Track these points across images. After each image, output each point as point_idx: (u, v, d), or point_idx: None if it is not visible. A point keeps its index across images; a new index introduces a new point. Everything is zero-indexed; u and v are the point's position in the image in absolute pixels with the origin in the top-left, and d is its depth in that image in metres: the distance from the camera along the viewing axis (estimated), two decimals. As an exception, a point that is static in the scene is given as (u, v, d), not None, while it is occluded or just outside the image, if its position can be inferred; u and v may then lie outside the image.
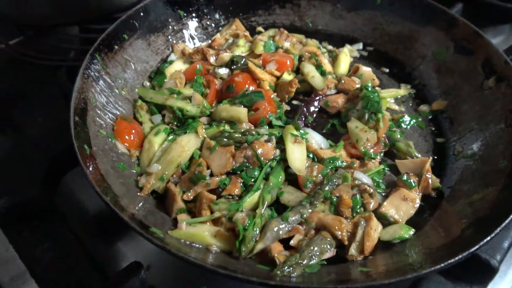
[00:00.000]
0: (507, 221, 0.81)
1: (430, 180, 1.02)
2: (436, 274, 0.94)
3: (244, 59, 1.27)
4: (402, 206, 0.98)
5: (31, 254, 1.01)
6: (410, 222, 0.98)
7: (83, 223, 1.16)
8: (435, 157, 1.13)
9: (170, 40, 1.35)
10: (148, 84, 1.27)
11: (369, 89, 1.16)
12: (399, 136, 1.12)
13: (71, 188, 1.22)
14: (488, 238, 0.78)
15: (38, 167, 1.17)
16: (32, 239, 1.04)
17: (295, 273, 0.84)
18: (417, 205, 0.99)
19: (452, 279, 0.94)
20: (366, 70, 1.28)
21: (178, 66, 1.31)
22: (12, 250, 1.00)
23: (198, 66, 1.25)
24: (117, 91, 1.17)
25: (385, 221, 0.97)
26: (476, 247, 0.77)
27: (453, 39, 1.25)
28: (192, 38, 1.40)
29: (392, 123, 1.15)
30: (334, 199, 0.97)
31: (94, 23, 1.42)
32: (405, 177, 1.02)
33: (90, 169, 0.91)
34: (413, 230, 0.95)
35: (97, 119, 1.07)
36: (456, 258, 0.77)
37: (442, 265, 0.75)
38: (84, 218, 1.17)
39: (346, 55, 1.37)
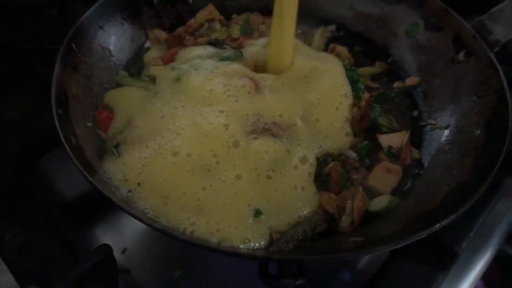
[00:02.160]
0: (485, 186, 0.87)
1: (410, 152, 1.07)
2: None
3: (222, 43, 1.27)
4: (386, 178, 1.02)
5: (0, 238, 1.01)
6: (394, 193, 1.03)
7: (58, 208, 1.18)
8: (412, 130, 1.17)
9: (145, 26, 1.33)
10: (125, 72, 1.25)
11: (348, 68, 1.20)
12: (379, 111, 1.16)
13: (46, 172, 1.23)
14: (471, 201, 0.83)
15: (10, 152, 1.17)
16: (2, 223, 1.03)
17: (291, 247, 0.88)
18: (400, 176, 1.04)
19: (417, 262, 1.02)
20: (342, 49, 1.31)
21: (154, 52, 1.30)
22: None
23: (177, 52, 1.24)
24: (95, 80, 1.15)
25: (371, 193, 1.01)
26: (461, 210, 0.82)
27: (422, 16, 1.30)
28: (167, 24, 1.39)
29: (372, 100, 1.19)
30: (324, 177, 1.01)
31: (73, 5, 1.38)
32: (386, 150, 1.08)
33: (79, 160, 0.89)
34: (398, 199, 1.00)
35: (78, 109, 1.06)
36: (441, 223, 0.81)
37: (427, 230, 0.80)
38: (60, 203, 1.20)
39: (321, 35, 1.39)
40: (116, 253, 0.94)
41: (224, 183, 0.93)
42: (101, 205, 1.17)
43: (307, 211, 0.94)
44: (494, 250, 1.18)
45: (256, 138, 1.00)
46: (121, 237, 1.14)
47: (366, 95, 1.16)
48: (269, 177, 0.96)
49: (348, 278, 1.13)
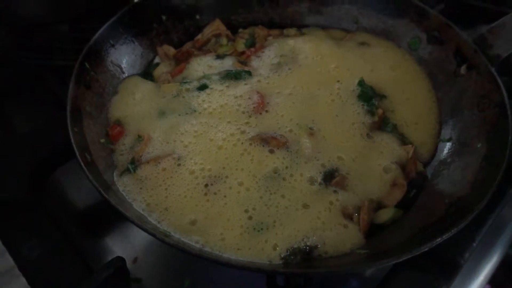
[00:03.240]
0: (486, 199, 0.89)
1: (415, 165, 1.09)
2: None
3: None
4: (392, 191, 1.04)
5: (18, 251, 1.04)
6: (399, 205, 1.04)
7: (71, 220, 1.22)
8: (416, 143, 1.20)
9: (154, 43, 1.38)
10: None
11: (362, 83, 1.20)
12: (392, 127, 1.16)
13: (60, 185, 1.28)
14: (472, 215, 0.86)
15: (26, 165, 1.20)
16: (18, 236, 1.07)
17: (298, 260, 0.90)
18: (405, 190, 1.05)
19: (421, 271, 1.03)
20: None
21: (163, 68, 1.34)
22: (1, 245, 1.04)
23: (186, 67, 1.28)
24: (107, 96, 1.19)
25: (377, 206, 1.03)
26: (462, 224, 0.85)
27: (424, 30, 1.33)
28: (175, 39, 1.43)
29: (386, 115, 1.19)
30: None
31: (85, 21, 1.42)
32: (392, 165, 1.10)
33: (94, 177, 0.93)
34: (402, 211, 1.02)
35: (92, 126, 1.10)
36: (443, 237, 0.83)
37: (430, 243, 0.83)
38: (72, 215, 1.23)
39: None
40: (128, 263, 0.98)
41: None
42: (113, 216, 1.20)
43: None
44: (499, 259, 1.20)
45: (272, 151, 1.04)
46: (132, 246, 1.18)
47: (380, 111, 1.16)
48: (283, 196, 0.98)
49: (354, 286, 1.15)
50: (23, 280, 1.00)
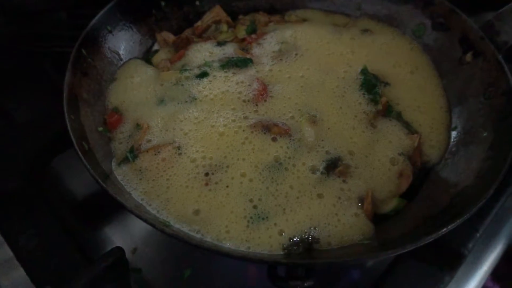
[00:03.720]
0: (492, 189, 0.88)
1: (420, 155, 1.07)
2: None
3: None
4: (397, 182, 1.02)
5: (16, 241, 1.03)
6: (402, 194, 1.02)
7: (70, 210, 1.21)
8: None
9: (153, 29, 1.35)
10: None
11: (366, 71, 1.18)
12: (397, 115, 1.14)
13: (58, 175, 1.26)
14: (478, 206, 0.84)
15: (23, 155, 1.19)
16: (17, 226, 1.06)
17: (301, 251, 0.89)
18: (410, 180, 1.03)
19: (424, 262, 1.03)
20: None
21: (163, 55, 1.31)
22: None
23: (185, 54, 1.26)
24: (105, 84, 1.17)
25: (381, 197, 1.01)
26: (467, 215, 0.83)
27: (430, 16, 1.30)
28: (174, 26, 1.40)
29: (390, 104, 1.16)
30: None
31: (83, 8, 1.39)
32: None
33: (92, 166, 0.91)
34: (405, 201, 1.00)
35: (89, 113, 1.08)
36: (448, 227, 0.82)
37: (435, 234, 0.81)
38: (71, 205, 1.23)
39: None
40: (127, 253, 0.97)
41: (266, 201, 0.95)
42: (112, 206, 1.18)
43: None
44: (502, 249, 1.18)
45: (275, 139, 1.02)
46: (131, 237, 1.17)
47: (384, 99, 1.13)
48: (291, 187, 0.97)
49: (356, 277, 1.14)
50: (21, 270, 1.00)
